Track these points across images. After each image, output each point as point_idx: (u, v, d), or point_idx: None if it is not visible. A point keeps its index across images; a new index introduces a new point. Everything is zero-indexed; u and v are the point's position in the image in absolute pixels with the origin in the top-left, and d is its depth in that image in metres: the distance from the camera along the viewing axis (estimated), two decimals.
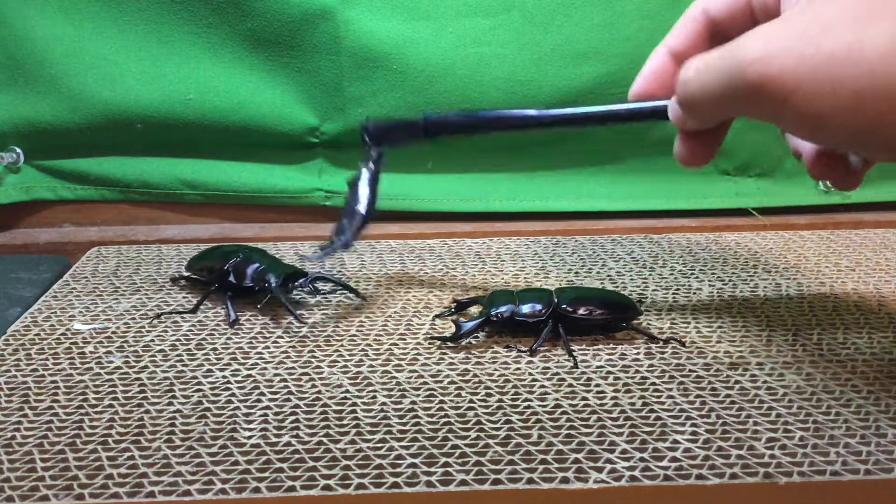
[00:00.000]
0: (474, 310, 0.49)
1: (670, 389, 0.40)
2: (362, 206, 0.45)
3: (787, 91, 0.30)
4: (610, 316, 0.46)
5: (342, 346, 0.45)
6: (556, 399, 0.39)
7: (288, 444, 0.36)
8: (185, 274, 0.54)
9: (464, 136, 0.45)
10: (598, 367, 0.43)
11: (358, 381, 0.42)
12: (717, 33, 0.39)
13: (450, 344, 0.45)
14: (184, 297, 0.52)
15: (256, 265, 0.49)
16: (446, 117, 0.44)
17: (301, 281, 0.49)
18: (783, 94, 0.30)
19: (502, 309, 0.45)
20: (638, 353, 0.44)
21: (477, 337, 0.46)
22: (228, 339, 0.46)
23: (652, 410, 0.38)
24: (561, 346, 0.44)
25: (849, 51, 0.29)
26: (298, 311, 0.48)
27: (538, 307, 0.45)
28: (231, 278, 0.49)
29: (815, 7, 0.31)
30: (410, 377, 0.42)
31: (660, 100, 0.39)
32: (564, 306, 0.45)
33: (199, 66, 0.63)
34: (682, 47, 0.40)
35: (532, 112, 0.43)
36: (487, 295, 0.47)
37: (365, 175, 0.46)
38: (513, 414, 0.38)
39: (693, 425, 0.37)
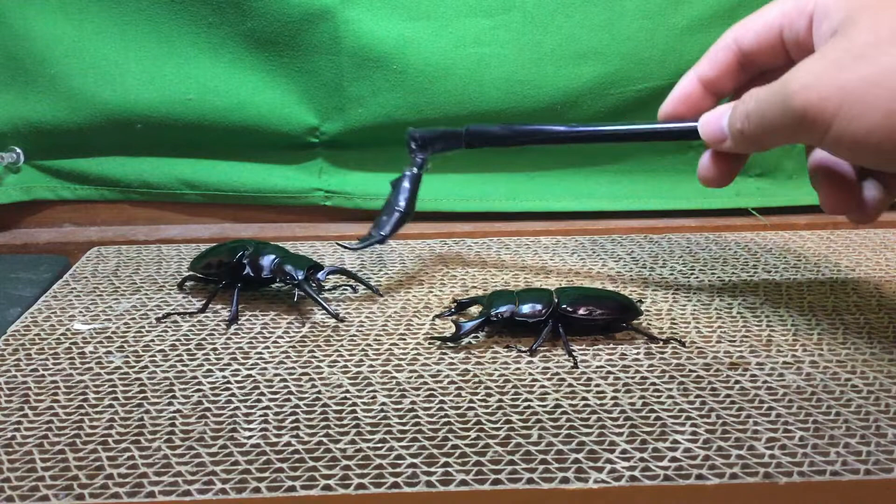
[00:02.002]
0: (474, 310, 0.49)
1: (670, 389, 0.40)
2: (401, 205, 0.49)
3: (829, 116, 0.33)
4: (610, 316, 0.46)
5: (342, 346, 0.45)
6: (556, 399, 0.39)
7: (288, 444, 0.36)
8: (188, 274, 0.54)
9: (500, 146, 0.49)
10: (598, 367, 0.43)
11: (358, 381, 0.42)
12: (747, 64, 0.41)
13: (450, 344, 0.45)
14: (184, 297, 0.52)
15: (273, 257, 0.49)
16: (486, 129, 0.48)
17: (320, 273, 0.49)
18: (825, 119, 0.33)
19: (502, 309, 0.45)
20: (638, 353, 0.44)
21: (477, 337, 0.46)
22: (228, 339, 0.46)
23: (652, 410, 0.38)
24: (561, 347, 0.44)
25: (882, 74, 0.32)
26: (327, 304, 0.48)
27: (538, 307, 0.45)
28: (248, 271, 0.49)
29: (850, 37, 0.34)
30: (410, 377, 0.42)
31: (688, 121, 0.43)
32: (565, 306, 0.45)
33: (199, 66, 0.63)
34: (711, 74, 0.42)
35: (563, 128, 0.47)
36: (487, 295, 0.47)
37: (408, 177, 0.50)
38: (513, 414, 0.38)
39: (693, 425, 0.37)
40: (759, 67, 0.41)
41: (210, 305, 0.50)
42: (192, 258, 0.55)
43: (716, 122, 0.41)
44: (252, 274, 0.49)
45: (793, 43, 0.39)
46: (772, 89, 0.36)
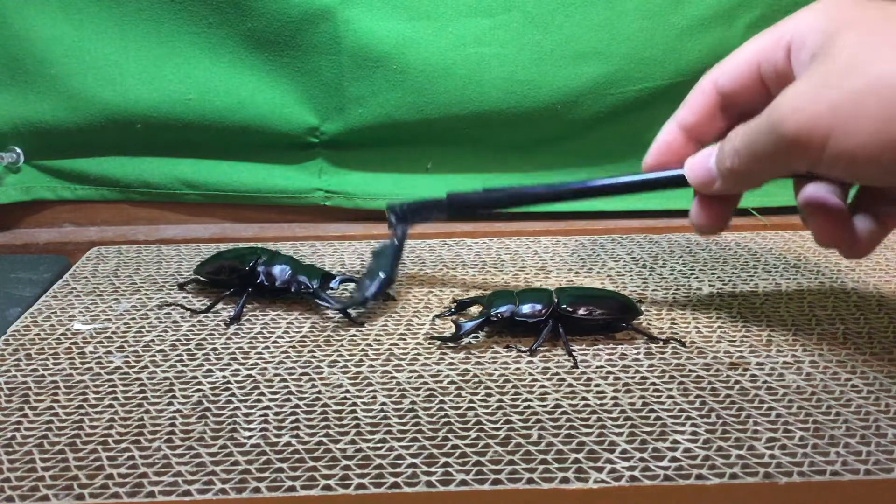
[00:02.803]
0: (474, 310, 0.49)
1: (670, 389, 0.40)
2: (386, 270, 0.48)
3: (822, 135, 0.33)
4: (610, 316, 0.46)
5: (342, 346, 0.45)
6: (556, 399, 0.39)
7: (288, 444, 0.36)
8: (192, 277, 0.54)
9: (484, 211, 0.48)
10: (598, 367, 0.43)
11: (358, 381, 0.42)
12: (727, 106, 0.41)
13: (450, 344, 0.45)
14: (184, 298, 0.52)
15: (286, 267, 0.50)
16: (467, 196, 0.48)
17: (333, 282, 0.49)
18: (819, 139, 0.33)
19: (502, 309, 0.45)
20: (638, 353, 0.44)
21: (477, 337, 0.46)
22: (228, 339, 0.46)
23: (652, 410, 0.38)
24: (561, 347, 0.44)
25: (870, 84, 0.32)
26: (340, 309, 0.48)
27: (538, 307, 0.45)
28: (262, 280, 0.49)
29: (832, 56, 0.33)
30: (410, 377, 0.42)
31: (674, 169, 0.42)
32: (565, 306, 0.45)
33: (199, 66, 0.63)
34: (692, 120, 0.42)
35: (543, 189, 0.47)
36: (487, 295, 0.47)
37: (389, 247, 0.49)
38: (513, 414, 0.38)
39: (693, 425, 0.37)
40: (739, 109, 0.41)
41: (213, 307, 0.50)
42: (198, 262, 0.54)
43: (702, 164, 0.40)
44: (266, 283, 0.49)
45: (772, 76, 0.38)
46: (759, 121, 0.35)
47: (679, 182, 0.42)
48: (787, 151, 0.34)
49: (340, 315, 0.49)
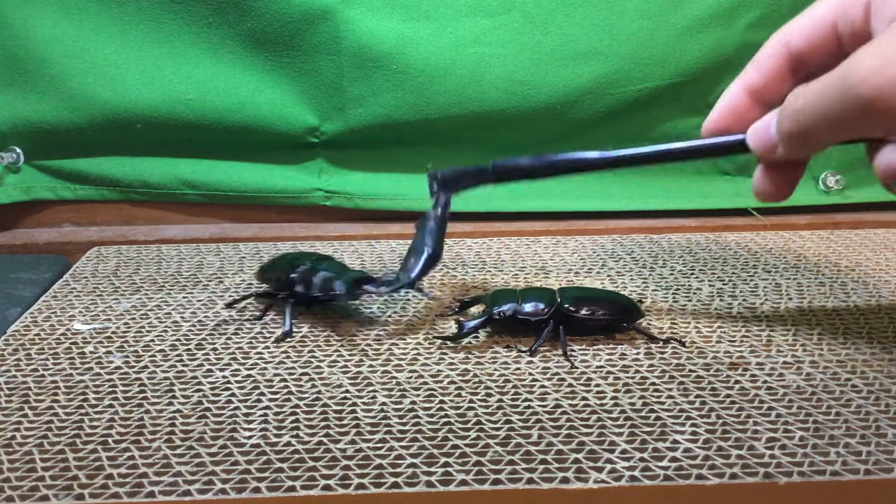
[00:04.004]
0: (475, 309, 0.49)
1: (670, 389, 0.40)
2: (430, 246, 0.46)
3: None
4: (612, 317, 0.45)
5: (342, 346, 0.45)
6: (556, 399, 0.39)
7: (288, 444, 0.36)
8: (256, 289, 0.52)
9: (531, 179, 0.46)
10: (598, 367, 0.43)
11: (358, 381, 0.42)
12: (797, 66, 0.39)
13: (451, 343, 0.45)
14: (184, 297, 0.52)
15: (325, 273, 0.47)
16: (514, 163, 0.46)
17: (370, 284, 0.47)
18: None
19: (505, 307, 0.45)
20: (638, 353, 0.44)
21: (477, 337, 0.46)
22: (228, 339, 0.46)
23: (652, 410, 0.38)
24: (561, 347, 0.44)
25: None
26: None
27: (541, 306, 0.45)
28: (300, 289, 0.48)
29: None
30: (410, 377, 0.42)
31: (734, 134, 0.40)
32: (567, 306, 0.45)
33: (199, 66, 0.63)
34: (759, 83, 0.40)
35: (596, 155, 0.44)
36: (490, 294, 0.47)
37: (433, 218, 0.47)
38: (513, 414, 0.38)
39: (693, 425, 0.37)
40: (808, 70, 0.39)
41: (209, 306, 0.50)
42: (258, 269, 0.53)
43: (765, 130, 0.38)
44: (304, 291, 0.47)
45: (848, 35, 0.37)
46: (829, 80, 0.33)
47: (739, 148, 0.40)
48: (862, 114, 0.32)
49: (404, 291, 0.46)
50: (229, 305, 0.50)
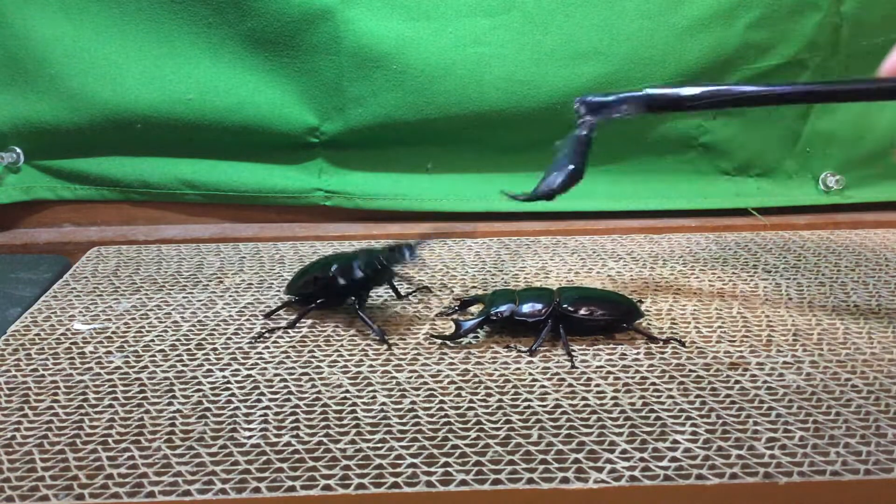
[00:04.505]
0: (475, 309, 0.49)
1: (670, 389, 0.40)
2: (576, 161, 0.43)
3: None
4: (611, 317, 0.45)
5: (342, 346, 0.45)
6: (556, 399, 0.39)
7: (288, 444, 0.36)
8: (287, 299, 0.51)
9: (689, 111, 0.43)
10: (598, 367, 0.43)
11: (358, 381, 0.42)
12: None
13: (450, 343, 0.45)
14: (184, 297, 0.52)
15: (356, 262, 0.46)
16: (671, 92, 0.42)
17: (407, 252, 0.46)
18: None
19: (502, 308, 0.45)
20: (638, 353, 0.44)
21: (477, 337, 0.46)
22: (228, 339, 0.46)
23: (652, 410, 0.38)
24: (561, 347, 0.44)
25: None
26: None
27: (538, 307, 0.45)
28: (341, 281, 0.46)
29: None
30: (410, 377, 0.42)
31: None
32: (566, 306, 0.45)
33: (199, 66, 0.63)
34: None
35: (760, 89, 0.41)
36: (488, 294, 0.47)
37: (577, 138, 0.43)
38: (513, 414, 0.38)
39: (693, 425, 0.37)
40: None
41: (209, 306, 0.50)
42: (289, 282, 0.52)
43: None
44: (345, 282, 0.46)
45: None
46: None
47: None
48: None
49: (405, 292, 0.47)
50: (267, 316, 0.49)
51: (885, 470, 0.34)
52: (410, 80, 0.63)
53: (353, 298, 0.47)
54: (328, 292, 0.48)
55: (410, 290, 0.52)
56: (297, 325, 0.48)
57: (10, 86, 0.63)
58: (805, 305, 0.50)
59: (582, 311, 0.45)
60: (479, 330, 0.46)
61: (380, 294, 0.52)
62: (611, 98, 0.43)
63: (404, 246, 0.46)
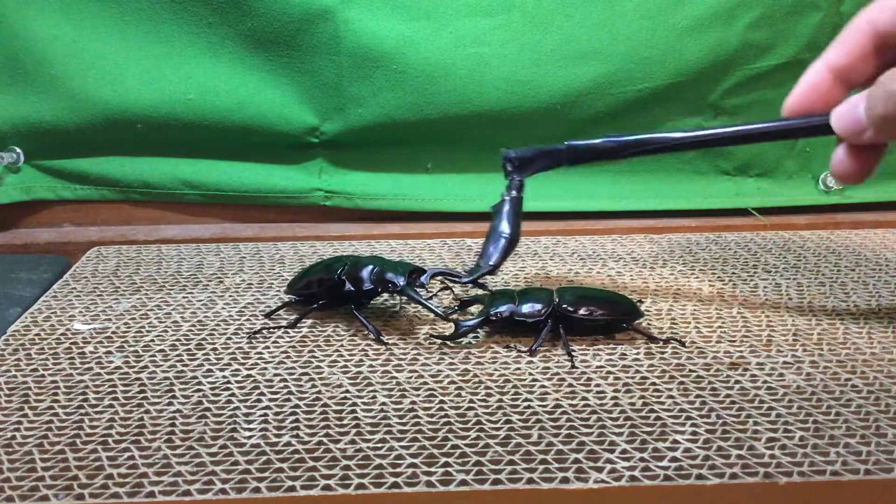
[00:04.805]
0: (475, 309, 0.49)
1: (670, 389, 0.40)
2: (507, 231, 0.46)
3: None
4: (611, 317, 0.45)
5: (342, 346, 0.45)
6: (556, 399, 0.39)
7: (288, 444, 0.36)
8: (287, 299, 0.51)
9: (608, 161, 0.46)
10: (598, 367, 0.43)
11: (358, 381, 0.42)
12: (883, 47, 0.39)
13: (449, 344, 0.45)
14: (184, 297, 0.52)
15: (371, 267, 0.47)
16: (590, 144, 0.45)
17: (423, 276, 0.46)
18: None
19: (502, 308, 0.45)
20: (638, 353, 0.44)
21: (477, 336, 0.46)
22: (228, 339, 0.46)
23: (652, 410, 0.38)
24: (561, 347, 0.44)
25: None
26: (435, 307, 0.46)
27: (537, 307, 0.45)
28: (348, 287, 0.47)
29: None
30: (410, 377, 0.42)
31: (817, 115, 0.40)
32: (565, 306, 0.45)
33: (199, 66, 0.63)
34: (843, 61, 0.39)
35: (677, 135, 0.43)
36: (488, 294, 0.47)
37: (508, 202, 0.47)
38: (513, 414, 0.38)
39: (693, 425, 0.37)
40: (894, 51, 0.38)
41: (209, 306, 0.50)
42: (289, 281, 0.52)
43: (851, 112, 0.37)
44: (353, 288, 0.47)
45: None
46: None
47: (822, 130, 0.39)
48: None
49: (430, 313, 0.47)
50: (267, 316, 0.49)
51: (885, 470, 0.34)
52: (410, 80, 0.63)
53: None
54: (332, 295, 0.48)
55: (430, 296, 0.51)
56: (298, 325, 0.48)
57: (10, 86, 0.63)
58: (805, 305, 0.50)
59: (581, 311, 0.45)
60: (479, 330, 0.46)
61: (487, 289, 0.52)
62: (534, 152, 0.46)
63: (423, 274, 0.46)
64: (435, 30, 0.62)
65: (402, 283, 0.45)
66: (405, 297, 0.47)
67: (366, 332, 0.47)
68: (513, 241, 0.46)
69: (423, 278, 0.46)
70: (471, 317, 0.47)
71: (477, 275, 0.46)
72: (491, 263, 0.45)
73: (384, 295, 0.49)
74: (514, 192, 0.47)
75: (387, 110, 0.64)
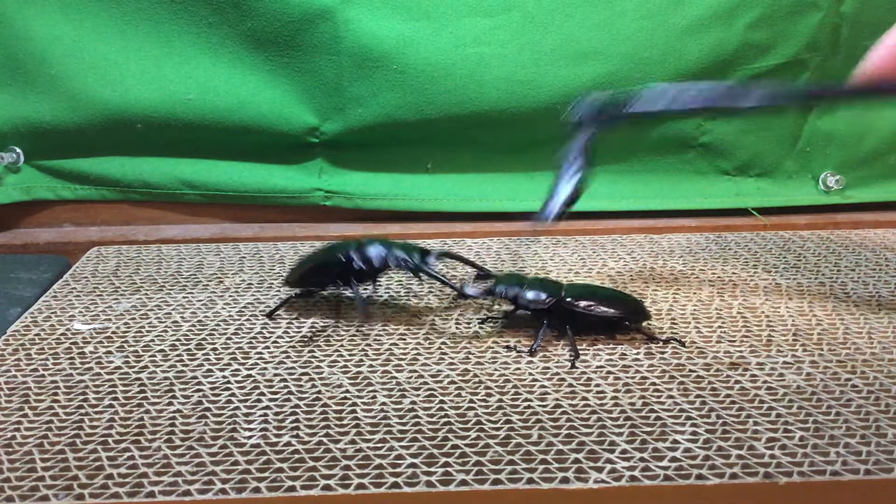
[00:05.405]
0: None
1: (670, 389, 0.40)
2: (571, 183, 0.43)
3: None
4: (615, 315, 0.45)
5: (342, 346, 0.45)
6: (556, 399, 0.39)
7: (288, 444, 0.36)
8: (291, 293, 0.51)
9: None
10: (598, 367, 0.43)
11: (358, 381, 0.42)
12: None
13: (459, 301, 0.45)
14: (184, 297, 0.52)
15: (381, 248, 0.47)
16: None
17: (430, 257, 0.47)
18: None
19: (509, 288, 0.45)
20: (638, 353, 0.44)
21: (478, 335, 0.46)
22: (228, 339, 0.46)
23: (652, 410, 0.38)
24: (561, 346, 0.44)
25: None
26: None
27: (542, 296, 0.44)
28: (359, 265, 0.46)
29: None
30: (410, 377, 0.42)
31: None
32: (570, 300, 0.44)
33: (199, 66, 0.63)
34: None
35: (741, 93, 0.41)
36: (500, 274, 0.47)
37: (577, 150, 0.44)
38: (513, 414, 0.38)
39: (693, 425, 0.37)
40: None
41: (209, 306, 0.50)
42: (288, 274, 0.52)
43: None
44: (364, 267, 0.46)
45: None
46: None
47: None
48: None
49: (448, 288, 0.47)
50: (269, 315, 0.49)
51: (885, 470, 0.34)
52: (410, 80, 0.63)
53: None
54: (341, 276, 0.48)
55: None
56: (297, 325, 0.48)
57: (10, 86, 0.63)
58: (805, 305, 0.50)
59: (588, 307, 0.44)
60: (480, 326, 0.46)
61: (380, 294, 0.52)
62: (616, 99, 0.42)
63: (433, 254, 0.47)
64: (435, 30, 0.62)
65: (417, 261, 0.45)
66: (421, 275, 0.47)
67: (366, 332, 0.47)
68: (577, 194, 0.43)
69: (430, 258, 0.46)
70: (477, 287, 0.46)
71: (538, 220, 0.43)
72: (549, 213, 0.42)
73: (383, 295, 0.49)
74: (584, 141, 0.43)
75: (387, 110, 0.64)
